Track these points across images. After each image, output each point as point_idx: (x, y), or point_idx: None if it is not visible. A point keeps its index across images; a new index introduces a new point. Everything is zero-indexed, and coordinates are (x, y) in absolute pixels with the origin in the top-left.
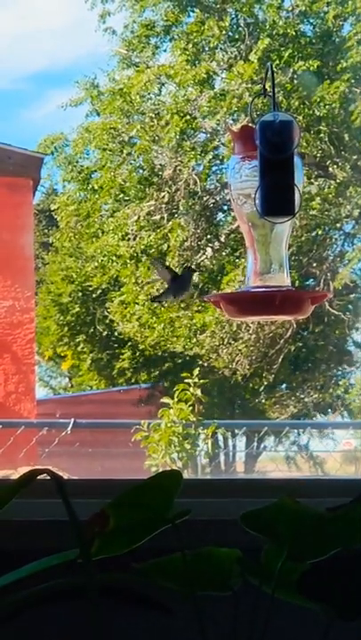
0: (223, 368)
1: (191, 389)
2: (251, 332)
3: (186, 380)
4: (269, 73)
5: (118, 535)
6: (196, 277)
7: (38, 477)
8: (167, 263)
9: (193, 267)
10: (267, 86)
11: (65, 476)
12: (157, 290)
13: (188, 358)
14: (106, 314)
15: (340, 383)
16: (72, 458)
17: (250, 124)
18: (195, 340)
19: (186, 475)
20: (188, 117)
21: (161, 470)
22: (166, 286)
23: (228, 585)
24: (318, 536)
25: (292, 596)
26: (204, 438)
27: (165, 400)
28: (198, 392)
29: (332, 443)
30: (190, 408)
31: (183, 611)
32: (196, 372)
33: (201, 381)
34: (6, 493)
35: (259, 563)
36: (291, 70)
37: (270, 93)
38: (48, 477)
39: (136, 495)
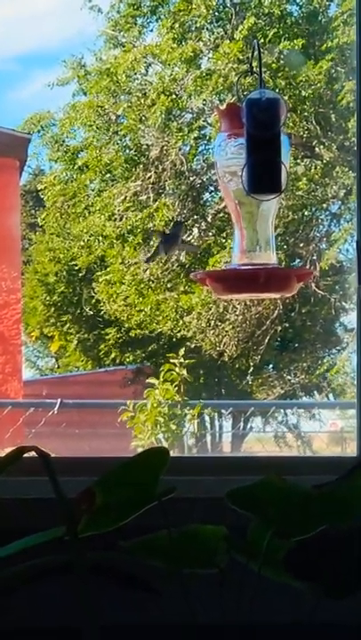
0: (210, 349)
1: (177, 370)
2: (238, 313)
3: (171, 361)
4: (256, 51)
5: (105, 513)
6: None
7: (25, 455)
8: (154, 241)
9: (180, 220)
10: (253, 64)
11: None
12: (144, 270)
13: (174, 340)
14: (92, 294)
15: (326, 364)
16: (59, 438)
17: (236, 103)
18: (181, 321)
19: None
20: (174, 97)
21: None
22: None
23: (214, 562)
24: (305, 513)
25: (278, 574)
26: (190, 419)
27: (151, 380)
28: (184, 372)
29: (319, 424)
30: (176, 388)
31: (170, 588)
32: (181, 352)
33: (187, 362)
34: None
35: (245, 540)
36: (277, 50)
37: (256, 71)
38: (35, 455)
39: (123, 473)
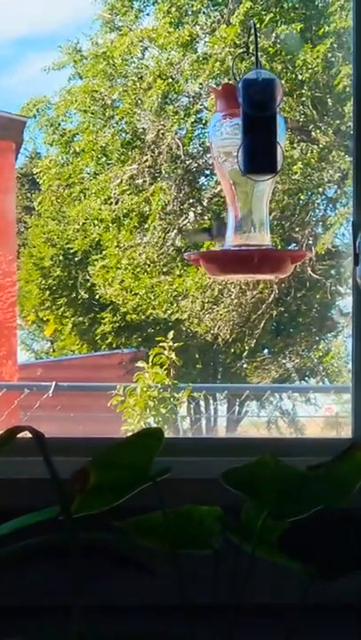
0: (205, 333)
1: (166, 353)
2: (233, 296)
3: (160, 344)
4: (252, 31)
5: (99, 493)
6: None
7: (19, 435)
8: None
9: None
10: (250, 46)
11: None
12: (139, 254)
13: (170, 324)
14: (87, 278)
15: (321, 348)
16: (54, 421)
17: (232, 83)
18: (176, 305)
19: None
20: (170, 81)
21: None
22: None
23: (208, 543)
24: (299, 494)
25: (272, 555)
26: (178, 402)
27: (140, 364)
28: (173, 355)
29: (314, 408)
30: (166, 372)
31: (164, 569)
32: (170, 335)
33: (175, 345)
34: None
35: (239, 521)
36: (274, 34)
37: (253, 52)
38: (29, 436)
39: (117, 453)
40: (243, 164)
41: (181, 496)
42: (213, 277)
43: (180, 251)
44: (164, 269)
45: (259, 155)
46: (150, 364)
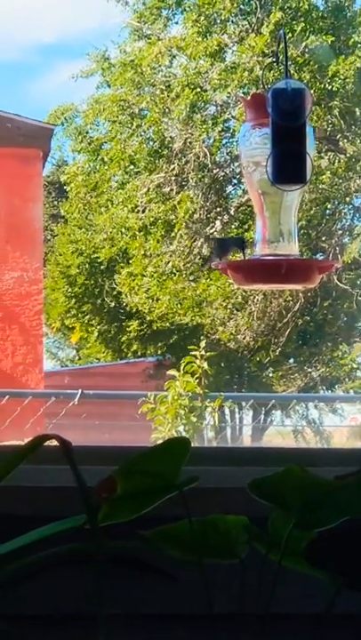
0: (229, 340)
1: (198, 362)
2: (258, 304)
3: (192, 353)
4: (282, 40)
5: (125, 502)
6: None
7: (46, 443)
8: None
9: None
10: (279, 55)
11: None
12: (166, 262)
13: (194, 331)
14: (114, 286)
15: (348, 358)
16: (79, 429)
17: (261, 92)
18: (200, 312)
19: None
20: (198, 90)
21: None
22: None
23: (234, 553)
24: (326, 504)
25: (298, 565)
26: (210, 411)
27: (172, 372)
28: (205, 365)
29: (340, 417)
30: (197, 381)
31: (190, 578)
32: (202, 344)
33: (208, 354)
34: (14, 459)
35: (266, 531)
36: (303, 44)
37: (282, 62)
38: (56, 444)
39: (144, 462)
40: (272, 174)
41: (208, 505)
42: (240, 287)
43: (206, 259)
44: (191, 277)
45: (288, 165)
46: (182, 372)
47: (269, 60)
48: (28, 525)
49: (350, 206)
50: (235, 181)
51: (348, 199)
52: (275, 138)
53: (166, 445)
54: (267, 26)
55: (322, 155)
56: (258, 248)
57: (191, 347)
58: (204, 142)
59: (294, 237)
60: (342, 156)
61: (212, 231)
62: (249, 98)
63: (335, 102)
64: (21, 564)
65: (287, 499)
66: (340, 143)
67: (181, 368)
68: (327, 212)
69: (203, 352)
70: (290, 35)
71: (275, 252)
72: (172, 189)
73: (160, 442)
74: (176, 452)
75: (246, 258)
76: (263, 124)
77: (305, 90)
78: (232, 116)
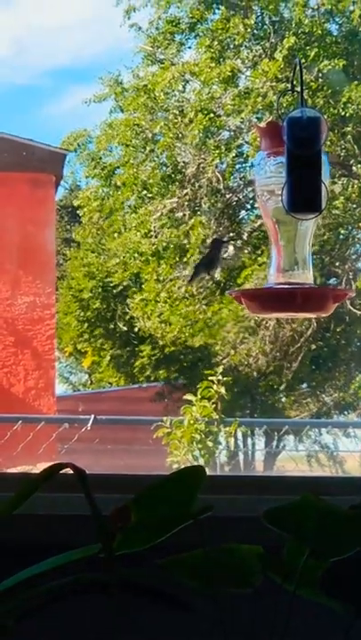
0: (241, 365)
1: (215, 387)
2: (270, 329)
3: (210, 378)
4: (297, 69)
5: (140, 530)
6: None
7: (61, 472)
8: (188, 259)
9: (220, 238)
10: (294, 82)
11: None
12: (178, 287)
13: (206, 354)
14: (126, 310)
15: None
16: (92, 454)
17: (276, 121)
18: (212, 336)
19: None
20: (212, 115)
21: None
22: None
23: (249, 582)
24: (342, 534)
25: (313, 594)
26: (225, 436)
27: (188, 397)
28: (222, 389)
29: (353, 443)
30: (213, 405)
31: (204, 607)
32: (220, 369)
33: (225, 379)
34: (29, 487)
35: (280, 560)
36: (316, 69)
37: (298, 90)
38: (70, 472)
39: (159, 491)
40: (287, 203)
41: (222, 534)
42: (254, 315)
43: (220, 285)
44: (203, 301)
45: (303, 193)
46: (198, 397)
47: (283, 85)
48: (42, 554)
49: None
50: (248, 206)
51: None
52: (290, 166)
53: (181, 474)
54: (280, 51)
55: (335, 180)
56: (272, 276)
57: (208, 371)
58: (217, 167)
59: (309, 266)
60: (356, 182)
61: (225, 256)
62: (264, 126)
63: (349, 128)
64: (35, 593)
65: (302, 528)
66: (354, 168)
67: (198, 393)
68: (340, 237)
69: (220, 377)
70: (303, 60)
71: (289, 280)
72: (184, 214)
73: (176, 466)
74: (191, 481)
75: (262, 286)
76: (278, 153)
77: (320, 118)
78: (245, 142)
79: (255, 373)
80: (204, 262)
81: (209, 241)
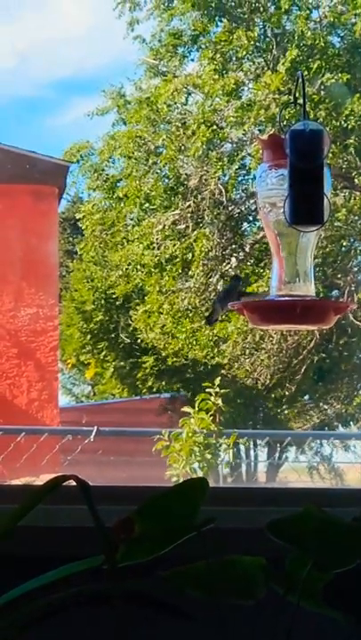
0: (245, 378)
1: (212, 399)
2: (274, 342)
3: (207, 390)
4: (300, 82)
5: (143, 542)
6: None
7: (64, 484)
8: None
9: (238, 275)
10: (296, 95)
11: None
12: (182, 299)
13: (210, 367)
14: (129, 322)
15: None
16: (95, 466)
17: (278, 133)
18: (217, 349)
19: None
20: (214, 127)
21: (183, 480)
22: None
23: (252, 593)
24: (344, 546)
25: (316, 606)
26: (225, 448)
27: (186, 409)
28: (220, 402)
29: (353, 454)
30: (211, 417)
31: (207, 619)
32: (217, 381)
33: (222, 391)
34: (32, 499)
35: (283, 571)
36: (319, 82)
37: (300, 102)
38: (74, 484)
39: (162, 503)
40: (288, 215)
41: (225, 546)
42: (256, 327)
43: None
44: (206, 314)
45: (305, 206)
46: (196, 409)
47: (285, 97)
48: (45, 566)
49: None
50: (250, 218)
51: None
52: (292, 179)
53: (184, 486)
54: (283, 63)
55: (337, 192)
56: (274, 288)
57: (206, 384)
58: (219, 179)
59: (310, 278)
60: (358, 194)
61: (227, 268)
62: (266, 138)
63: (351, 140)
64: (39, 605)
65: (305, 540)
66: (356, 180)
67: (196, 405)
68: (343, 249)
69: (217, 389)
70: (306, 73)
71: (291, 292)
72: (187, 226)
73: (175, 479)
74: (194, 493)
75: (263, 298)
76: (280, 165)
77: (323, 131)
78: (248, 154)
79: (259, 386)
80: (221, 297)
81: (212, 253)
